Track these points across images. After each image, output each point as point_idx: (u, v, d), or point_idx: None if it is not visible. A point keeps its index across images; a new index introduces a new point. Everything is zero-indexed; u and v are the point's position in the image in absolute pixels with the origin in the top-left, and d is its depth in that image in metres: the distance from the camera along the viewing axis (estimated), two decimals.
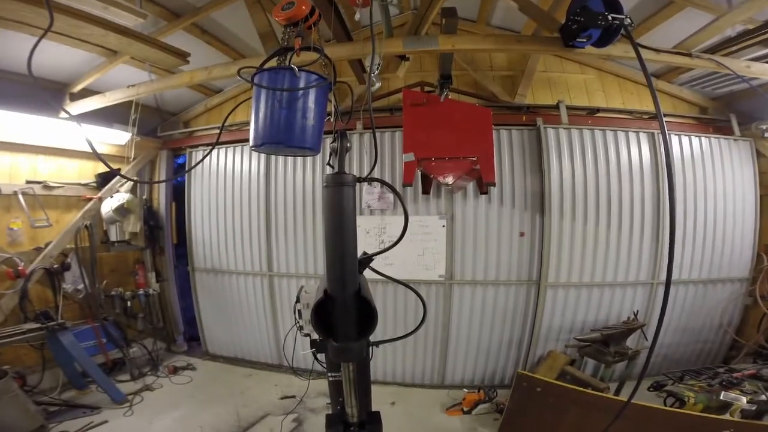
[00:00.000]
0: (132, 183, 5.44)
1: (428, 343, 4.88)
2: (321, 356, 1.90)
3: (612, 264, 4.60)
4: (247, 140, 5.42)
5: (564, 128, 4.57)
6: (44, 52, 3.66)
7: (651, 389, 3.95)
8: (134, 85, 4.11)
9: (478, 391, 4.37)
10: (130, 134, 5.01)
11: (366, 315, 1.45)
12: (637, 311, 4.53)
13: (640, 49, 2.89)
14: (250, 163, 5.22)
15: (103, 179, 5.18)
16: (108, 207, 5.03)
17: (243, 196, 5.26)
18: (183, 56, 3.58)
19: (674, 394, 3.39)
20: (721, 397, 3.06)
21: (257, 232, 5.21)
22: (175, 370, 5.15)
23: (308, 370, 5.21)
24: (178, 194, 5.89)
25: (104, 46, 3.57)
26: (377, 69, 2.93)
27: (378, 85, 3.24)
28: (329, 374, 1.82)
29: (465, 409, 4.22)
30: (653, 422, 2.86)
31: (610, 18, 2.27)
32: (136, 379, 4.81)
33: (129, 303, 5.23)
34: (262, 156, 5.11)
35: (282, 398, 4.56)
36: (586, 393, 3.20)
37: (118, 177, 5.21)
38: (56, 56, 3.88)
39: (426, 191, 4.55)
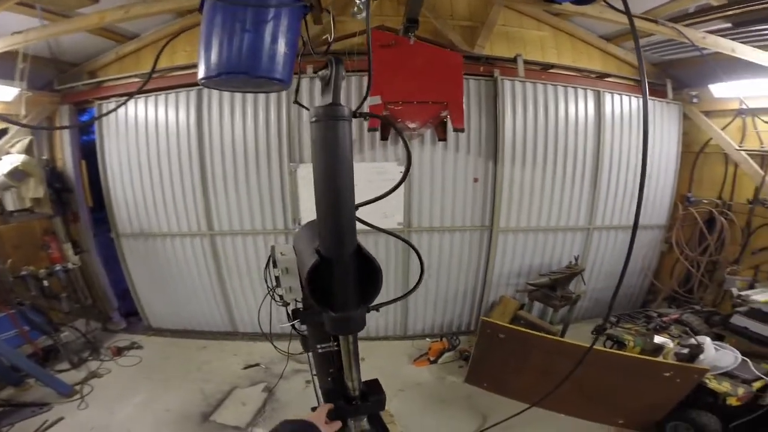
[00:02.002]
0: (27, 143, 4.52)
1: (390, 294, 4.87)
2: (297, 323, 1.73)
3: (556, 210, 4.97)
4: (172, 88, 4.65)
5: (520, 81, 4.62)
6: None
7: (594, 333, 4.35)
8: (21, 32, 3.36)
9: (441, 340, 4.55)
10: (19, 89, 4.09)
11: (366, 276, 1.27)
12: (578, 256, 4.93)
13: (615, 12, 2.92)
14: (177, 112, 4.56)
15: None
16: None
17: (171, 149, 4.64)
18: None
19: (614, 338, 3.76)
20: (655, 341, 3.45)
21: (191, 188, 4.68)
22: (119, 352, 4.69)
23: (260, 334, 5.02)
24: (89, 152, 5.06)
25: None
26: None
27: (363, 13, 2.86)
28: (318, 346, 1.64)
29: (431, 358, 4.39)
30: (606, 365, 3.15)
31: None
32: (77, 367, 4.34)
33: (45, 282, 4.46)
34: (192, 104, 4.49)
35: (245, 368, 4.37)
36: (546, 338, 3.43)
37: (5, 138, 4.29)
38: None
39: (384, 137, 4.38)
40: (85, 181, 5.18)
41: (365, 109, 1.24)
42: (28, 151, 4.47)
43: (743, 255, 4.67)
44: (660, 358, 3.24)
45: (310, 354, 1.94)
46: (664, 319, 3.89)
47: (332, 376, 1.63)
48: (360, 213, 1.24)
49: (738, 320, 3.58)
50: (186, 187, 4.69)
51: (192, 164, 4.61)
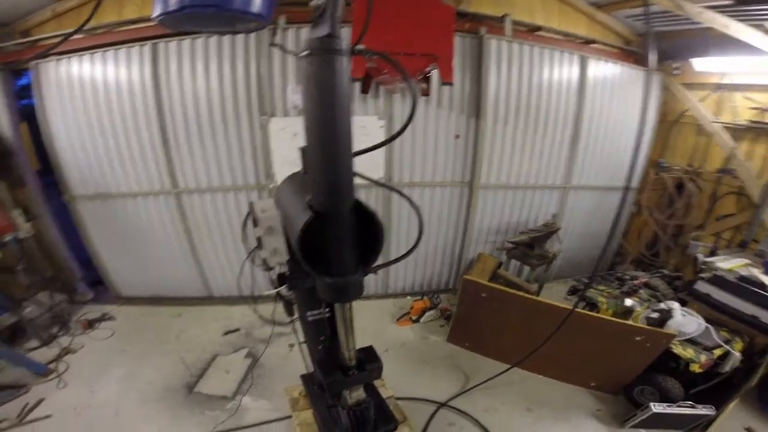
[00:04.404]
0: None
1: None
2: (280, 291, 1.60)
3: (535, 168, 5.02)
4: (122, 43, 4.17)
5: (506, 41, 4.45)
6: None
7: (569, 294, 4.50)
8: None
9: (422, 298, 4.59)
10: None
11: (365, 235, 1.15)
12: (555, 214, 5.03)
13: None
14: (130, 69, 4.10)
15: None
16: None
17: (125, 107, 4.21)
18: None
19: (587, 299, 3.84)
20: (625, 304, 3.55)
21: (150, 145, 4.32)
22: (90, 324, 4.44)
23: (237, 297, 4.86)
24: (28, 116, 4.51)
25: None
26: None
27: None
28: (308, 314, 1.53)
29: (413, 317, 4.44)
30: (582, 327, 3.23)
31: None
32: (48, 344, 4.09)
33: None
34: (146, 59, 4.04)
35: (225, 334, 4.26)
36: (528, 298, 3.49)
37: None
38: None
39: (365, 90, 4.19)
40: (27, 143, 4.63)
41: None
42: None
43: (708, 221, 4.91)
44: (630, 321, 3.33)
45: (295, 319, 1.85)
46: (635, 282, 3.98)
47: (324, 345, 1.55)
48: None
49: (701, 286, 3.61)
50: (144, 145, 4.32)
51: (150, 121, 4.22)
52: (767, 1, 3.37)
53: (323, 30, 0.98)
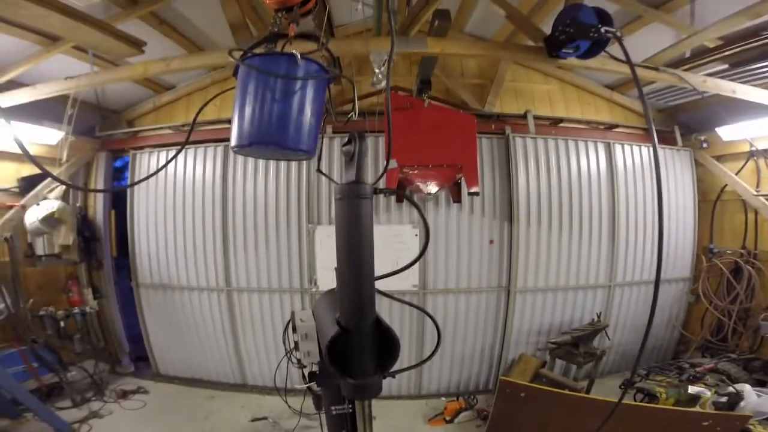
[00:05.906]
0: (63, 189, 4.72)
1: (403, 354, 4.73)
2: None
3: (574, 268, 4.81)
4: (201, 142, 4.91)
5: (531, 138, 4.70)
6: None
7: (622, 387, 4.12)
8: (74, 77, 3.56)
9: (458, 399, 4.33)
10: (64, 133, 4.32)
11: (384, 344, 1.29)
12: (600, 313, 4.74)
13: (617, 63, 3.04)
14: (204, 167, 4.79)
15: (28, 184, 4.48)
16: (34, 216, 4.34)
17: (196, 204, 4.81)
18: (138, 45, 3.13)
19: (645, 391, 3.56)
20: (690, 391, 3.26)
21: (212, 243, 4.78)
22: (124, 395, 4.61)
23: (270, 388, 4.88)
24: (118, 201, 5.31)
25: (43, 32, 3.13)
26: (384, 65, 2.68)
27: (383, 84, 3.02)
28: (333, 408, 1.62)
29: (447, 418, 4.15)
30: (639, 419, 2.94)
31: (603, 31, 2.29)
32: (79, 406, 4.27)
33: (62, 323, 4.53)
34: (219, 159, 4.72)
35: (252, 420, 4.21)
36: (570, 395, 3.23)
37: (45, 182, 4.52)
38: None
39: (399, 200, 4.44)
40: (112, 231, 5.39)
41: (382, 182, 1.32)
42: (63, 197, 4.69)
43: None
44: (697, 408, 3.07)
45: (322, 413, 1.91)
46: (698, 369, 3.73)
47: None
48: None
49: None
50: (207, 242, 4.79)
51: (215, 219, 4.75)
52: (762, 59, 3.35)
53: (351, 175, 1.25)
